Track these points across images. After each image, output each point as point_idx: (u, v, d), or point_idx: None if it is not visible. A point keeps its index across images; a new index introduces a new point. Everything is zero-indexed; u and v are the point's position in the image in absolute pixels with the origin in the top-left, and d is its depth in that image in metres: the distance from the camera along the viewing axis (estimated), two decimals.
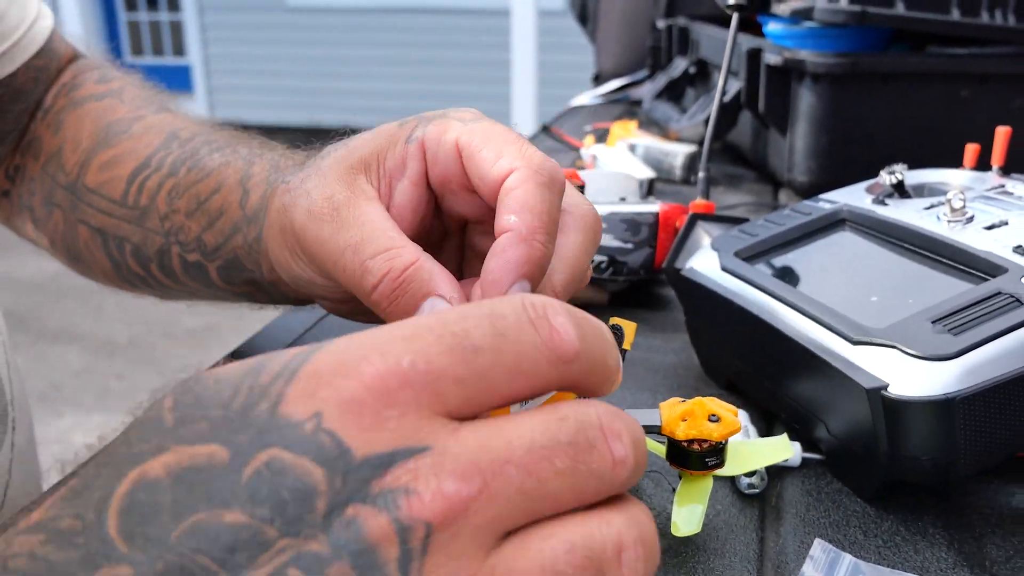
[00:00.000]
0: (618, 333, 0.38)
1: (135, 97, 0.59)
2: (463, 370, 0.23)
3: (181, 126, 0.55)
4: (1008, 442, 0.40)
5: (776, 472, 0.45)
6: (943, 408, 0.38)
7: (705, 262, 0.52)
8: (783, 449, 0.44)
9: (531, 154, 0.37)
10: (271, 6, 5.63)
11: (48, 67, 0.61)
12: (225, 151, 0.51)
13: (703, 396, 0.38)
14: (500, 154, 0.37)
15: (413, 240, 0.38)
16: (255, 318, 0.61)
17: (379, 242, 0.36)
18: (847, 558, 0.38)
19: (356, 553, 0.21)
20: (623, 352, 0.39)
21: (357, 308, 0.43)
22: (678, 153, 1.01)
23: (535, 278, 0.35)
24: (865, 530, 0.41)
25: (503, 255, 0.34)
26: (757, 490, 0.44)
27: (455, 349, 0.23)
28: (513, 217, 0.35)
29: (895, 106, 0.85)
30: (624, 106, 1.45)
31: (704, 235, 0.59)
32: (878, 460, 0.41)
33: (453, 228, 0.44)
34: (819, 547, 0.39)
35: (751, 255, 0.52)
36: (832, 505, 0.43)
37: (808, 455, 0.46)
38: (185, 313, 3.18)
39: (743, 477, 0.44)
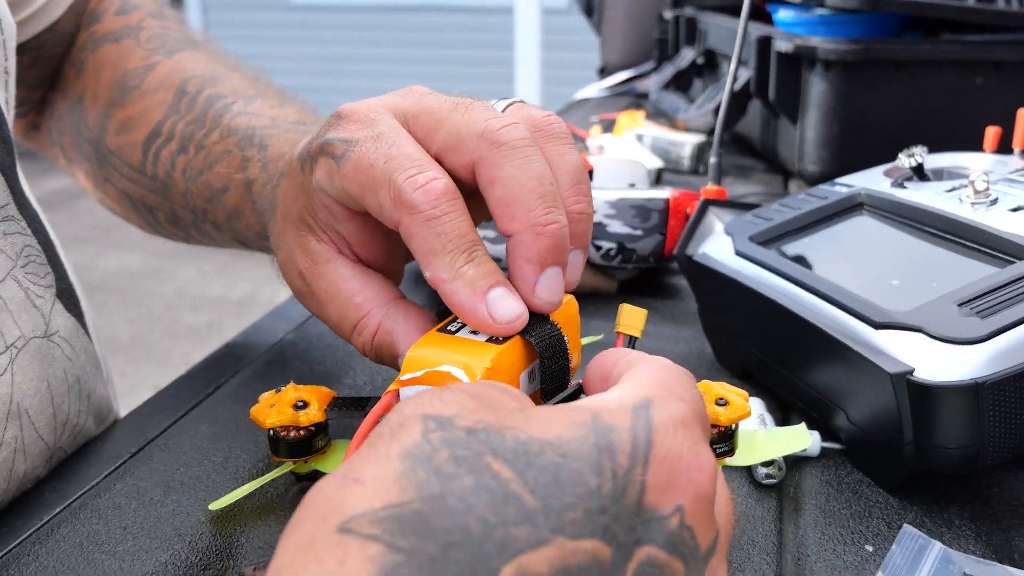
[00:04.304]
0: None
1: (152, 35, 0.58)
2: None
3: (190, 74, 0.55)
4: None
5: (794, 462, 0.44)
6: (971, 393, 0.37)
7: (718, 247, 0.51)
8: (800, 438, 0.42)
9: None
10: (275, 5, 5.61)
11: (84, 4, 0.60)
12: (224, 129, 0.51)
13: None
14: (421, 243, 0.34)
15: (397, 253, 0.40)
16: (258, 316, 0.61)
17: (349, 318, 0.39)
18: (936, 545, 0.36)
19: None
20: (634, 340, 0.37)
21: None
22: (686, 143, 1.00)
23: (561, 260, 0.34)
24: (888, 522, 0.39)
25: (517, 258, 0.34)
26: (775, 480, 0.42)
27: None
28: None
29: (908, 94, 0.83)
30: (630, 98, 1.44)
31: (716, 221, 0.58)
32: (902, 448, 0.39)
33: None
34: (907, 533, 0.37)
35: (766, 240, 0.50)
36: (853, 496, 0.41)
37: (827, 444, 0.44)
38: (188, 310, 3.17)
39: (760, 467, 0.42)
